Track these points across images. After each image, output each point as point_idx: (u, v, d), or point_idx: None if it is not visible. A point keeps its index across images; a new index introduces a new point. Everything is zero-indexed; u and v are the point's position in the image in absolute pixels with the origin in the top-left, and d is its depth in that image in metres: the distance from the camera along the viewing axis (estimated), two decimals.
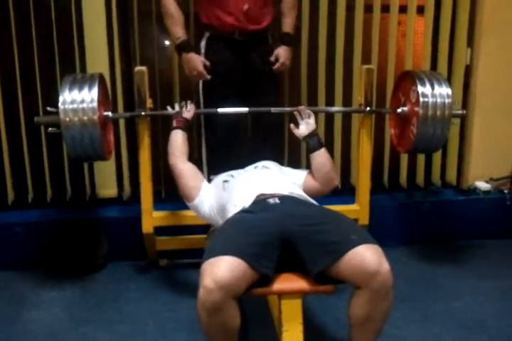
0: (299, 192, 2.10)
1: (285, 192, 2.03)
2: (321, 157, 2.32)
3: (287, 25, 2.83)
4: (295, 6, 2.86)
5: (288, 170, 2.38)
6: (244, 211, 1.94)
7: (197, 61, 2.71)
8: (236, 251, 1.67)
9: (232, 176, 2.25)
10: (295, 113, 2.48)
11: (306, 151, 2.35)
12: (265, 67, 2.80)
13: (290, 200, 1.97)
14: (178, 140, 2.36)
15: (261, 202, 1.95)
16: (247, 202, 1.98)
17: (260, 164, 2.34)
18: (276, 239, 1.76)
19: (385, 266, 1.67)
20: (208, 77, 2.73)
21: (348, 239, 1.73)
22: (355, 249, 1.69)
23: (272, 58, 2.78)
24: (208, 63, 2.72)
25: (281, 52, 2.78)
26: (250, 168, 2.35)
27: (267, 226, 1.79)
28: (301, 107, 2.50)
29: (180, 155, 2.31)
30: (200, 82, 2.82)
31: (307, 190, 2.21)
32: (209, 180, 2.36)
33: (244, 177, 2.21)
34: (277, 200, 1.93)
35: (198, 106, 2.75)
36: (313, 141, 2.37)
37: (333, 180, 2.33)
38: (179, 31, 2.70)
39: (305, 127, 2.42)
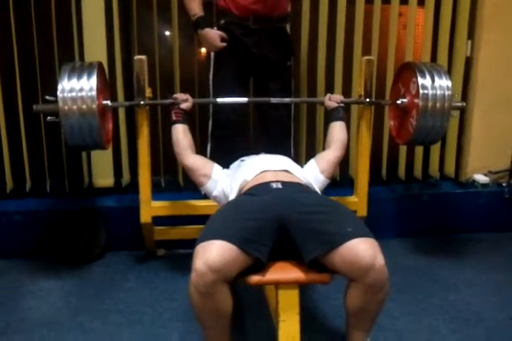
0: (305, 176, 2.14)
1: (291, 170, 2.11)
2: (339, 126, 2.48)
3: None
4: None
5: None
6: (246, 193, 1.98)
7: (213, 36, 2.67)
8: (228, 235, 1.68)
9: (249, 157, 2.34)
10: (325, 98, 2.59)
11: (328, 120, 2.55)
12: (280, 61, 2.78)
13: (292, 186, 2.00)
14: (179, 136, 2.37)
15: (264, 185, 1.98)
16: (249, 175, 2.06)
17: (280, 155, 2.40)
18: (273, 225, 1.77)
19: (380, 260, 1.67)
20: (225, 44, 2.69)
21: (344, 231, 1.72)
22: (350, 241, 1.68)
23: None
24: (224, 34, 2.68)
25: None
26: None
27: (265, 211, 1.81)
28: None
29: (185, 151, 2.34)
30: (212, 64, 2.81)
31: (323, 162, 2.31)
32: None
33: (258, 158, 2.30)
34: (280, 185, 1.97)
35: (204, 94, 2.78)
36: (337, 113, 2.53)
37: (344, 146, 2.43)
38: (195, 8, 2.68)
39: (336, 103, 2.57)
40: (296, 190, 1.99)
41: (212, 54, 2.80)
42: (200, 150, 2.85)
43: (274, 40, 2.74)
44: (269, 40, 2.73)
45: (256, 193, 1.94)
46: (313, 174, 2.25)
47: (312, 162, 2.33)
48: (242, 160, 2.32)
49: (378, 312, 1.81)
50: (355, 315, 1.80)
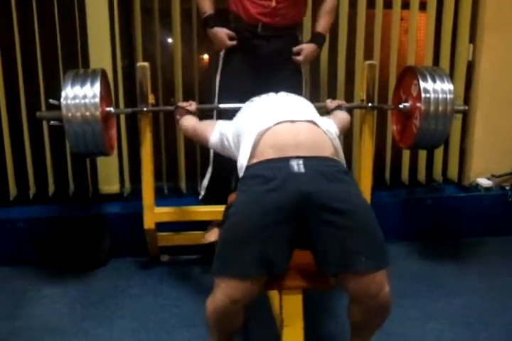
0: (328, 129, 1.91)
1: (316, 120, 1.89)
2: (342, 113, 2.41)
3: (321, 26, 2.77)
4: (333, 10, 2.81)
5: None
6: (259, 175, 1.73)
7: (221, 35, 2.68)
8: (247, 265, 1.62)
9: (260, 97, 2.14)
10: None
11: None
12: (287, 53, 2.74)
13: (315, 167, 1.73)
14: (191, 122, 2.29)
15: (282, 164, 1.72)
16: (264, 124, 1.82)
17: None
18: (292, 231, 1.66)
19: (385, 291, 1.65)
20: (234, 43, 2.69)
21: (359, 259, 1.64)
22: (363, 275, 1.64)
23: (295, 49, 2.71)
24: (232, 33, 2.68)
25: (306, 47, 2.72)
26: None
27: (283, 221, 1.65)
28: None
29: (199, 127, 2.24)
30: (220, 63, 2.79)
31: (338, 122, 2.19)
32: None
33: (272, 100, 2.08)
34: (302, 166, 1.71)
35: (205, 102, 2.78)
36: (339, 109, 2.45)
37: (349, 122, 2.42)
38: (206, 6, 2.70)
39: (336, 104, 2.50)
40: (320, 173, 1.71)
41: (221, 53, 2.79)
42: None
43: (283, 45, 2.73)
44: (279, 45, 2.71)
45: (271, 176, 1.69)
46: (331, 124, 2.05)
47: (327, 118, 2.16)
48: (252, 101, 2.12)
49: (379, 326, 1.81)
50: (355, 328, 1.82)
